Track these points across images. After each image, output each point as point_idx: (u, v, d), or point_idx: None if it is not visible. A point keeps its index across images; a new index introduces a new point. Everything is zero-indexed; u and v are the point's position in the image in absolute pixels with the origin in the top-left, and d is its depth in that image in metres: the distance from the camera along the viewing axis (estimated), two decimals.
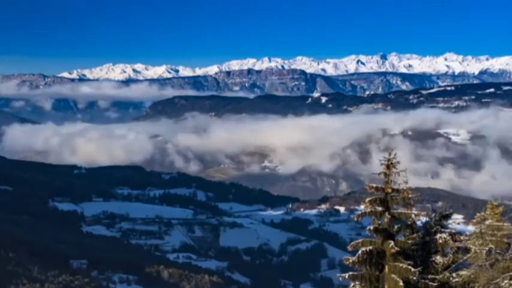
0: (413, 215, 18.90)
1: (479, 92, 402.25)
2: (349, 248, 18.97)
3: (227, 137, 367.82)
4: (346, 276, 18.98)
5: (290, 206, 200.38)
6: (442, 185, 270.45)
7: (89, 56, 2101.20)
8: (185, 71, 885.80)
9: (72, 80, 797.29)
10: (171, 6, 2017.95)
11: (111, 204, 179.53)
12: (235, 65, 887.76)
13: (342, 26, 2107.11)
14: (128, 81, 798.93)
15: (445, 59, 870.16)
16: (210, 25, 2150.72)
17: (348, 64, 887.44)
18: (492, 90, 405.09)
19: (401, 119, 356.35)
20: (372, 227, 18.80)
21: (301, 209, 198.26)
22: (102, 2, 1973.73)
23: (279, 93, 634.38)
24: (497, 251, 17.32)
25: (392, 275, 18.28)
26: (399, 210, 18.83)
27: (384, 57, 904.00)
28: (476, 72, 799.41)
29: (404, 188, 18.69)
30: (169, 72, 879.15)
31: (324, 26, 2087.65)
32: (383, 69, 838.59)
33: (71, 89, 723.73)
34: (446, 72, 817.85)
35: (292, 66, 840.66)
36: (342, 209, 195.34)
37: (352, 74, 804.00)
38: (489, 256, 17.30)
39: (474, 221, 18.81)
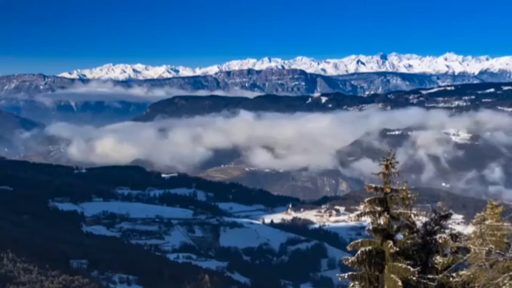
0: (412, 215, 18.87)
1: (479, 92, 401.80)
2: (349, 248, 18.95)
3: (227, 137, 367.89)
4: (346, 276, 18.96)
5: (290, 206, 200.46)
6: (442, 185, 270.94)
7: (89, 56, 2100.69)
8: (185, 71, 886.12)
9: (72, 80, 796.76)
10: (171, 6, 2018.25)
11: (111, 204, 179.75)
12: (235, 65, 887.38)
13: (342, 26, 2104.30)
14: (128, 81, 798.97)
15: (445, 59, 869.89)
16: (210, 25, 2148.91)
17: (348, 64, 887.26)
18: (492, 90, 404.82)
19: (401, 119, 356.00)
20: (371, 227, 18.78)
21: (301, 209, 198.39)
22: (102, 2, 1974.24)
23: (279, 93, 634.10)
24: (497, 251, 17.27)
25: (392, 275, 18.24)
26: (398, 210, 18.81)
27: (384, 57, 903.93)
28: (476, 72, 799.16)
29: (404, 188, 18.66)
30: (169, 72, 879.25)
31: (324, 26, 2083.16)
32: (383, 69, 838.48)
33: (71, 89, 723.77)
34: (446, 72, 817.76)
35: (292, 66, 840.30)
36: (342, 209, 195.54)
37: (352, 74, 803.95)
38: (489, 256, 17.25)
39: (474, 221, 18.81)
